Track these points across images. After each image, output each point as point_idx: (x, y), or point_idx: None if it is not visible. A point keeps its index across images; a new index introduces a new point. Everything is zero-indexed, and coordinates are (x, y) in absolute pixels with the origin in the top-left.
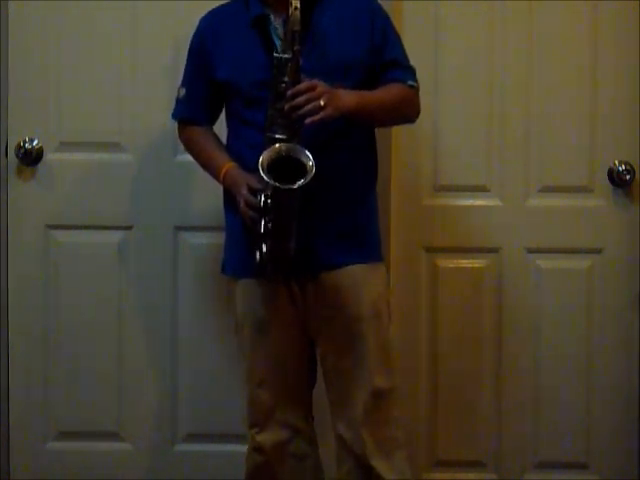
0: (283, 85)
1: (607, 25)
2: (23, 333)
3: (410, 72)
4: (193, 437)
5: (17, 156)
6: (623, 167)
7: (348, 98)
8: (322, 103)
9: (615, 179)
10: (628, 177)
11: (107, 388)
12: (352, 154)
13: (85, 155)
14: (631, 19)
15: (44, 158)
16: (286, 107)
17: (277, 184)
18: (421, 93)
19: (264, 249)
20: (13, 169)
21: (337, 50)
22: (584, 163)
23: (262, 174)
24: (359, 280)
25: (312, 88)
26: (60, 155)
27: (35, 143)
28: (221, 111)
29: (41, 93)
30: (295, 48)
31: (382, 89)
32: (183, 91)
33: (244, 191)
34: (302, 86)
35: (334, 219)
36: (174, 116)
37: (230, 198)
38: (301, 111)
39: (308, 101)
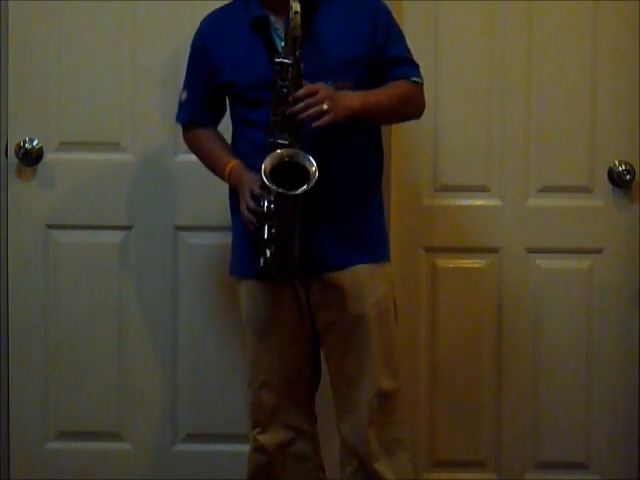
0: (285, 90)
1: (607, 25)
2: (23, 333)
3: (414, 68)
4: (193, 437)
5: (17, 156)
6: (623, 167)
7: (352, 100)
8: (325, 107)
9: (615, 179)
10: (628, 177)
11: (107, 388)
12: (357, 153)
13: (85, 155)
14: (631, 19)
15: (44, 158)
16: (288, 112)
17: (280, 190)
18: None
19: (268, 254)
20: (13, 169)
21: (337, 49)
22: (584, 163)
23: (265, 180)
24: (364, 280)
25: (313, 93)
26: (60, 155)
27: (35, 143)
28: (225, 112)
29: (41, 93)
30: (297, 53)
31: (386, 87)
32: (185, 94)
33: (247, 197)
34: (303, 91)
35: (339, 219)
36: (178, 119)
37: (236, 199)
38: (303, 115)
39: (310, 106)
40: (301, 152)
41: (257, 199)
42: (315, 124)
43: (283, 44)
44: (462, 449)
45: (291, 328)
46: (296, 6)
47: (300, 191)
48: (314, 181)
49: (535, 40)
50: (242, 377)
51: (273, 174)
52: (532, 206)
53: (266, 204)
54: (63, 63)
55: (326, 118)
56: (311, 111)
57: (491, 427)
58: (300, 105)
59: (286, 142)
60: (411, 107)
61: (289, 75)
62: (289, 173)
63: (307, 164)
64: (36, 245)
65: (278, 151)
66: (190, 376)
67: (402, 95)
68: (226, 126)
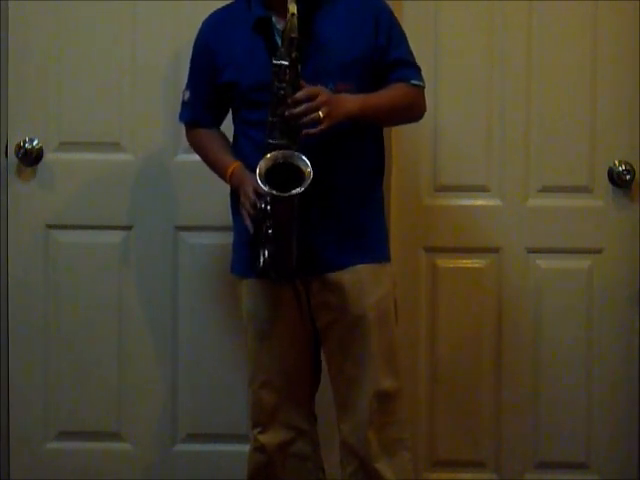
0: (282, 92)
1: (607, 25)
2: (23, 333)
3: (415, 71)
4: (193, 437)
5: (17, 156)
6: (623, 167)
7: (350, 104)
8: (321, 115)
9: (615, 179)
10: (628, 177)
11: (107, 388)
12: (358, 153)
13: (85, 155)
14: (631, 19)
15: (44, 158)
16: (286, 114)
17: (274, 192)
18: None
19: (266, 255)
20: (13, 169)
21: (338, 49)
22: (584, 163)
23: (260, 183)
24: (364, 280)
25: (312, 97)
26: (60, 155)
27: (35, 143)
28: (227, 111)
29: (41, 93)
30: (293, 55)
31: (386, 90)
32: (188, 94)
33: (250, 193)
34: (302, 94)
35: (339, 219)
36: (180, 119)
37: (237, 199)
38: (299, 122)
39: (307, 112)
40: (296, 153)
41: (260, 197)
42: (308, 132)
43: (280, 46)
44: (462, 449)
45: (292, 328)
46: (293, 8)
47: (293, 193)
48: (308, 182)
49: (535, 40)
50: (242, 377)
51: (269, 176)
52: (532, 206)
53: (263, 206)
54: (63, 63)
55: (318, 127)
56: (306, 118)
57: (491, 427)
58: (300, 108)
59: (283, 143)
60: (411, 110)
61: (286, 77)
62: (285, 175)
63: (302, 165)
64: (36, 245)
65: (273, 153)
66: (190, 376)
67: (402, 98)
68: (227, 125)
